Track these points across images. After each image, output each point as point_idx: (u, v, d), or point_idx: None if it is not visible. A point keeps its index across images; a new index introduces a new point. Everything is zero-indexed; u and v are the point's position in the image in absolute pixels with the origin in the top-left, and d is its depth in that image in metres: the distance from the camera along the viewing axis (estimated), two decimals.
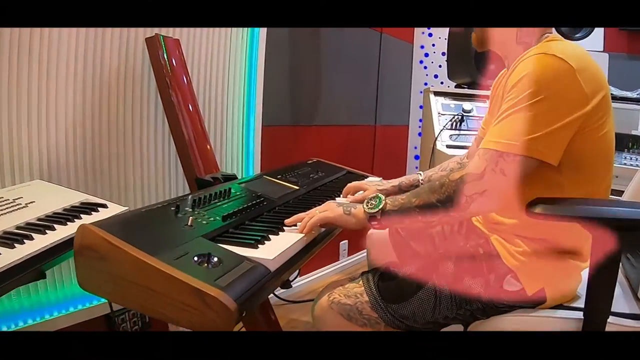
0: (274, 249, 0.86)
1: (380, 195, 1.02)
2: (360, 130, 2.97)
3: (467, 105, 2.08)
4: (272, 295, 2.34)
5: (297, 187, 1.43)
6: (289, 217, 1.05)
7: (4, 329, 1.38)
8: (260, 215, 1.10)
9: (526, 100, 0.89)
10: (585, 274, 0.96)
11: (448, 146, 1.97)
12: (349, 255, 3.03)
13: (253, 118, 2.08)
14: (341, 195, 1.41)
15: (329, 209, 1.03)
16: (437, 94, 2.18)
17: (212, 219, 0.97)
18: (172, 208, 0.97)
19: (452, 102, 2.14)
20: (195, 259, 0.78)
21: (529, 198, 0.92)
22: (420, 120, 2.99)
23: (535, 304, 1.00)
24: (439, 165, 1.44)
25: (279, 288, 2.35)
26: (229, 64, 1.94)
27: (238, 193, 1.20)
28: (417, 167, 3.24)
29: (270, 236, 0.93)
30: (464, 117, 2.05)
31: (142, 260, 0.73)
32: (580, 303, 0.97)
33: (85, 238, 0.79)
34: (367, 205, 1.01)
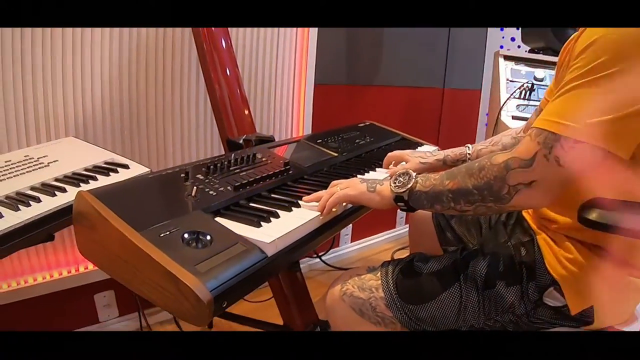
0: (278, 229, 0.76)
1: (410, 171, 0.87)
2: (427, 93, 2.76)
3: (539, 72, 1.81)
4: (318, 260, 2.28)
5: (335, 154, 1.30)
6: (313, 190, 0.95)
7: (48, 276, 1.43)
8: (281, 187, 1.00)
9: (596, 72, 0.67)
10: None
11: (513, 117, 1.75)
12: (406, 223, 2.90)
13: (304, 75, 1.96)
14: (382, 166, 1.29)
15: (351, 186, 0.91)
16: (507, 58, 1.93)
17: (222, 188, 0.89)
18: (182, 175, 0.90)
19: (523, 69, 1.89)
20: (186, 236, 0.70)
21: (587, 196, 0.72)
22: None
23: (580, 324, 0.84)
24: (490, 138, 1.25)
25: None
26: None
27: (264, 159, 1.10)
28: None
29: (280, 212, 0.83)
30: (535, 86, 1.80)
31: (124, 235, 0.67)
32: (638, 325, 0.80)
33: (80, 205, 0.76)
34: (394, 183, 0.87)
